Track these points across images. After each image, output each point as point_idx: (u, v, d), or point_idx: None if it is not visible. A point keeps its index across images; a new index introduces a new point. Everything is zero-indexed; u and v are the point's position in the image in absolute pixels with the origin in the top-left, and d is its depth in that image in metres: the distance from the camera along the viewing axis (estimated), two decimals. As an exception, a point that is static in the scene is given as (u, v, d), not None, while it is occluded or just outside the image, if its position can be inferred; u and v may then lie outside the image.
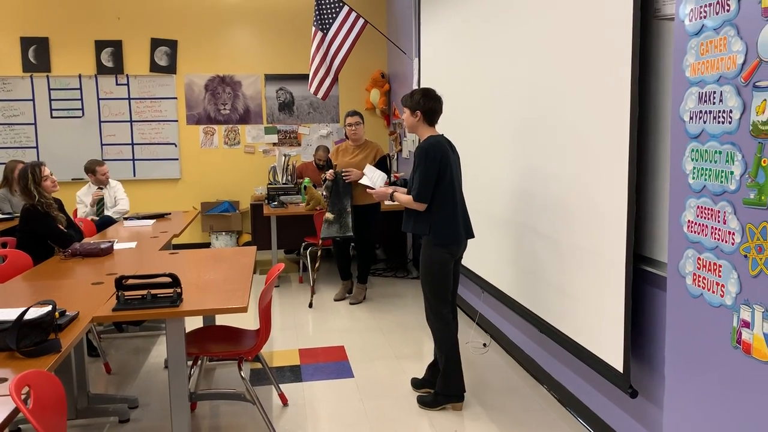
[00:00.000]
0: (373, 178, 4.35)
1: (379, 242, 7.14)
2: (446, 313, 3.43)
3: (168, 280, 2.86)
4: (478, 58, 4.40)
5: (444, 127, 3.71)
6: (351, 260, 5.77)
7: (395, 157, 7.61)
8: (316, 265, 5.79)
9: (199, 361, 3.77)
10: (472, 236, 3.51)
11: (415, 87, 6.25)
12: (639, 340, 2.69)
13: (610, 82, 2.67)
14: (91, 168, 5.75)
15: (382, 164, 5.42)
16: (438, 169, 3.27)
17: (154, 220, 5.47)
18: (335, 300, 5.61)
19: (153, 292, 2.85)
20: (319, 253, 5.85)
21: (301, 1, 7.71)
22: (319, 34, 6.42)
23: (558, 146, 3.20)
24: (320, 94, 6.58)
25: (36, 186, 4.08)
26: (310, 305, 5.49)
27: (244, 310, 2.82)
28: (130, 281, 2.85)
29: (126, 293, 2.83)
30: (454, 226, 3.34)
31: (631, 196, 2.54)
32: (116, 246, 4.21)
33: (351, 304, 5.53)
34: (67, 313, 2.59)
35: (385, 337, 4.66)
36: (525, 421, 3.30)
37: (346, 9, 6.39)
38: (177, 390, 2.87)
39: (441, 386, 3.43)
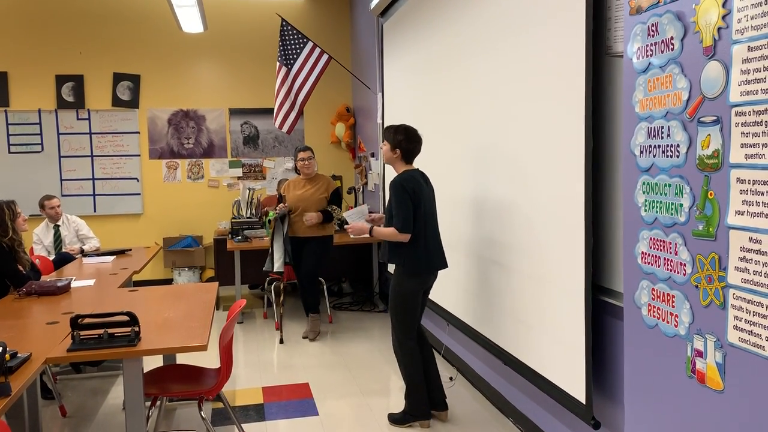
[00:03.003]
0: (352, 216, 4.09)
1: (345, 276, 7.11)
2: (411, 341, 3.59)
3: (125, 318, 2.80)
4: (437, 92, 4.47)
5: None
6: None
7: (361, 190, 7.63)
8: (281, 299, 5.72)
9: (159, 402, 3.67)
10: (446, 266, 3.66)
11: (378, 121, 6.31)
12: (601, 370, 2.71)
13: (566, 115, 2.73)
14: (41, 203, 5.66)
15: (336, 197, 5.43)
16: (412, 200, 3.42)
17: (114, 257, 5.37)
18: (303, 337, 5.52)
19: (110, 331, 2.79)
20: (282, 287, 5.78)
21: (265, 36, 7.77)
22: (284, 69, 6.47)
23: (516, 178, 3.25)
24: (285, 128, 6.60)
25: (11, 222, 4.00)
26: (281, 341, 5.40)
27: (204, 348, 2.77)
28: (86, 320, 2.78)
29: (82, 333, 2.75)
30: (426, 256, 3.50)
31: (587, 228, 2.58)
32: (74, 284, 4.10)
33: (310, 340, 5.44)
34: (19, 354, 2.50)
35: (350, 373, 4.60)
36: (491, 455, 3.28)
37: (310, 45, 6.46)
38: (134, 432, 2.78)
39: (408, 406, 3.63)
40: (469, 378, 4.30)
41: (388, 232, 3.45)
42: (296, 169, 5.54)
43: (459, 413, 3.80)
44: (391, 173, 3.92)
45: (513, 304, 3.34)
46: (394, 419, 3.67)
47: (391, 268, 5.84)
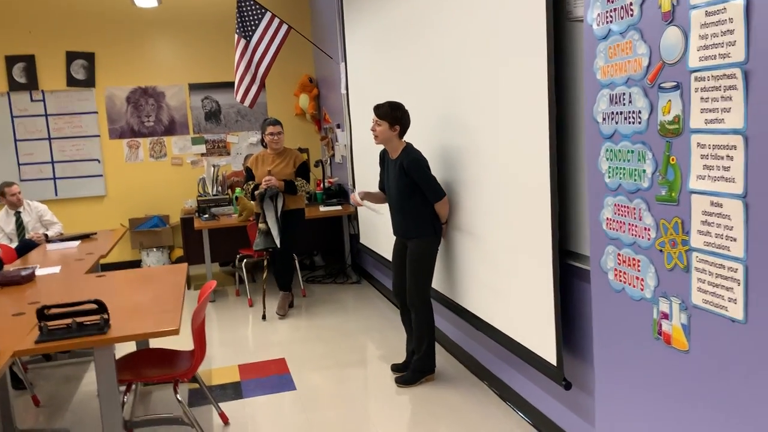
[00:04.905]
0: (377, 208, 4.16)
1: (317, 249, 7.09)
2: (430, 300, 3.77)
3: (93, 306, 2.75)
4: (400, 59, 4.43)
5: (366, 131, 3.73)
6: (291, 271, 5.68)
7: (328, 161, 7.58)
8: (264, 276, 5.64)
9: (134, 386, 3.66)
10: None
11: (342, 91, 6.24)
12: (571, 333, 2.76)
13: (529, 83, 2.73)
14: (1, 190, 5.50)
15: (303, 171, 5.38)
16: (430, 168, 3.64)
17: (79, 242, 5.26)
18: (278, 313, 5.51)
19: (78, 320, 2.74)
20: (266, 262, 5.67)
21: (223, 8, 7.57)
22: (242, 42, 6.32)
23: (482, 146, 3.26)
24: (247, 102, 6.48)
25: None
26: (264, 317, 5.41)
27: (176, 332, 2.74)
28: (54, 311, 2.73)
29: (49, 323, 2.70)
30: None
31: (553, 194, 2.60)
32: (38, 272, 4.02)
33: (280, 316, 5.42)
34: (-15, 349, 2.45)
35: (327, 345, 4.63)
36: (468, 417, 3.34)
37: (268, 15, 6.31)
38: (110, 420, 2.76)
39: (420, 365, 3.79)
40: (443, 344, 4.36)
41: (443, 211, 3.66)
42: (263, 143, 5.45)
43: (436, 380, 3.85)
44: (365, 145, 3.90)
45: (483, 269, 3.38)
46: (406, 380, 3.79)
47: (373, 240, 5.84)
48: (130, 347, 3.90)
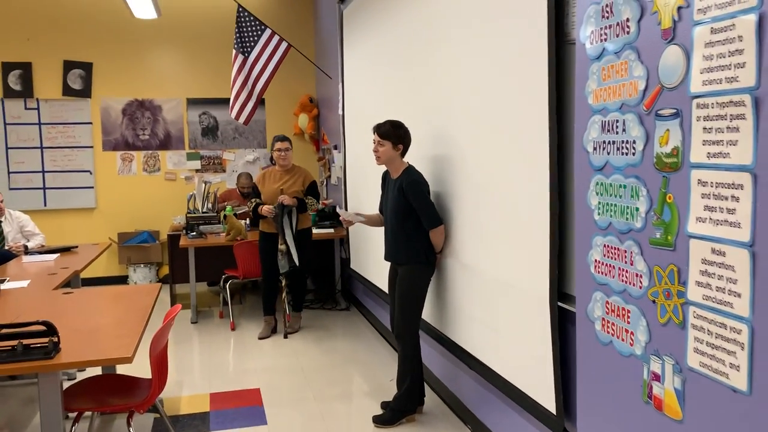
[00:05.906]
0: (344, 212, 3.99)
1: (308, 272, 6.86)
2: (418, 332, 3.54)
3: (42, 328, 2.54)
4: (396, 81, 4.25)
5: (361, 153, 3.55)
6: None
7: (324, 183, 7.39)
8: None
9: (91, 415, 3.43)
10: None
11: (339, 112, 6.07)
12: (570, 380, 2.50)
13: (529, 108, 2.51)
14: None
15: (312, 190, 5.22)
16: (429, 193, 3.45)
17: (58, 255, 5.06)
18: (260, 338, 5.27)
19: (26, 342, 2.54)
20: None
21: (225, 23, 7.44)
22: (240, 58, 6.18)
23: (478, 170, 3.05)
24: (242, 119, 6.31)
25: None
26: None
27: (128, 360, 2.54)
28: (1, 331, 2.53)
29: (-6, 344, 2.50)
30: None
31: (553, 231, 2.34)
32: (6, 285, 3.82)
33: (288, 333, 5.31)
34: None
35: (306, 377, 4.38)
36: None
37: (268, 32, 6.18)
38: (52, 454, 2.53)
39: (401, 404, 3.54)
40: (427, 380, 4.10)
41: (437, 240, 3.43)
42: (272, 159, 5.32)
43: (415, 420, 3.60)
44: (358, 166, 3.69)
45: (476, 303, 3.13)
46: (384, 420, 3.54)
47: (364, 267, 5.61)
48: (97, 370, 3.67)
